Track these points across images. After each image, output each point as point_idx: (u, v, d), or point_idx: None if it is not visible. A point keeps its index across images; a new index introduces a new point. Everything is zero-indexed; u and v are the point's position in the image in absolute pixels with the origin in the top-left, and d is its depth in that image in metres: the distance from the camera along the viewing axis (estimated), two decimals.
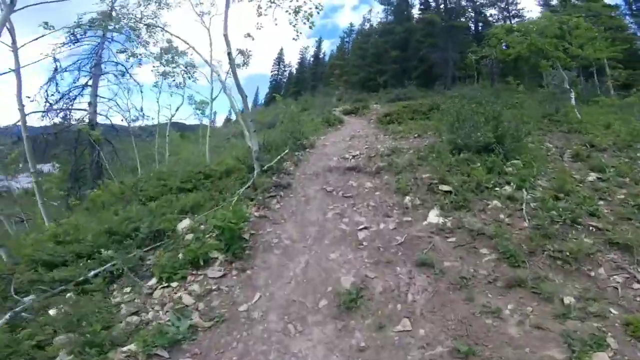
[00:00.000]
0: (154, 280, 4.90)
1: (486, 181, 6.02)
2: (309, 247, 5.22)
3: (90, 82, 15.48)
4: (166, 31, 9.85)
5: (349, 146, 10.01)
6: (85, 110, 15.57)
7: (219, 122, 41.96)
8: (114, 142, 16.82)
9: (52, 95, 13.78)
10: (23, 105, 6.88)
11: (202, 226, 6.03)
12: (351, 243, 5.24)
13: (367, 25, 39.43)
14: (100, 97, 15.74)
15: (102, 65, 15.62)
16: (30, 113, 13.72)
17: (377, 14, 38.34)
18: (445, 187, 5.98)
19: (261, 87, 76.08)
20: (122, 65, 15.39)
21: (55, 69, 13.49)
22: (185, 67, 12.13)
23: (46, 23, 6.87)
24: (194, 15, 10.83)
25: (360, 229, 5.49)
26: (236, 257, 5.02)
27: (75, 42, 13.28)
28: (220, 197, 7.17)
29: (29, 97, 12.16)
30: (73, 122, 14.71)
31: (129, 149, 17.57)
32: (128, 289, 4.83)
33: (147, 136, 19.23)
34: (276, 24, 7.85)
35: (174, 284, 4.75)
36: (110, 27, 8.11)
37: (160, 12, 11.23)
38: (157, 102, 15.35)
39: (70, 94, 14.92)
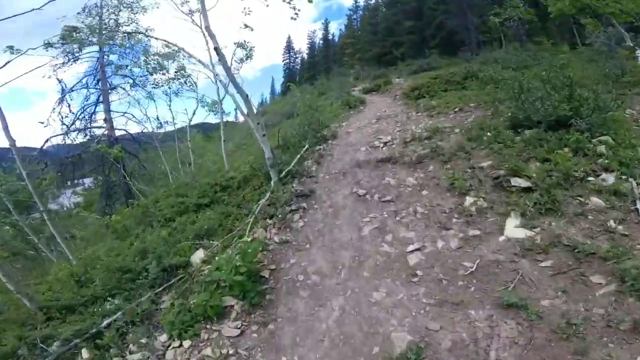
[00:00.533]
0: (165, 337, 3.89)
1: (575, 169, 4.21)
2: (344, 283, 3.77)
3: (101, 98, 14.78)
4: (149, 36, 8.45)
5: (377, 130, 8.31)
6: (102, 127, 14.90)
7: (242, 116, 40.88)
8: (140, 153, 16.33)
9: (66, 116, 13.10)
10: (14, 141, 5.82)
11: (216, 257, 4.82)
12: (400, 273, 3.73)
13: (373, 0, 36.46)
14: (114, 111, 15.05)
15: (109, 80, 14.78)
16: (51, 137, 13.33)
17: None
18: (521, 182, 4.24)
19: (277, 77, 74.13)
20: (129, 77, 14.34)
21: (62, 90, 12.75)
22: (176, 72, 10.72)
23: (11, 47, 5.68)
24: (184, 14, 9.23)
25: (411, 251, 3.95)
26: (255, 306, 3.71)
27: (76, 60, 12.40)
28: (238, 214, 5.92)
29: (42, 123, 11.55)
30: (94, 140, 14.03)
31: (157, 157, 16.93)
32: (143, 340, 3.93)
33: (173, 141, 18.56)
34: (267, 5, 6.31)
35: (186, 343, 3.69)
36: (85, 41, 6.88)
37: (138, 17, 9.79)
38: (170, 109, 14.18)
39: (85, 112, 14.30)
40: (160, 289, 4.85)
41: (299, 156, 6.81)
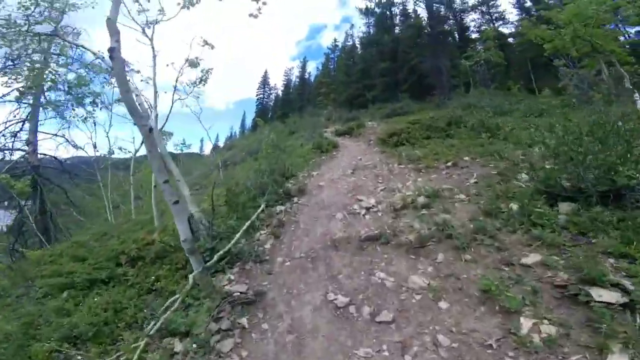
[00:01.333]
0: None
1: None
2: None
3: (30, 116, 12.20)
4: (64, 40, 6.47)
5: (356, 186, 6.58)
6: (22, 150, 12.16)
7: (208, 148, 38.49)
8: (79, 180, 13.84)
9: None
10: None
11: None
12: None
13: (350, 42, 37.47)
14: (43, 132, 12.49)
15: (46, 94, 12.29)
16: None
17: (360, 28, 36.65)
18: (614, 297, 2.53)
19: (250, 111, 73.37)
20: (69, 92, 11.92)
21: None
22: (70, 88, 8.59)
23: None
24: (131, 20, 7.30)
25: None
26: None
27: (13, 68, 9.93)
28: (137, 310, 3.72)
29: None
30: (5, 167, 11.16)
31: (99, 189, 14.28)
32: None
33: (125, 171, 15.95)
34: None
35: None
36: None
37: (64, 16, 7.74)
38: (107, 135, 11.91)
39: (6, 130, 11.54)
40: None
41: (248, 223, 4.79)
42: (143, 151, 13.16)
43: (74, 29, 8.96)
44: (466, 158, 6.91)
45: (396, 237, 4.12)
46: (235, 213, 5.23)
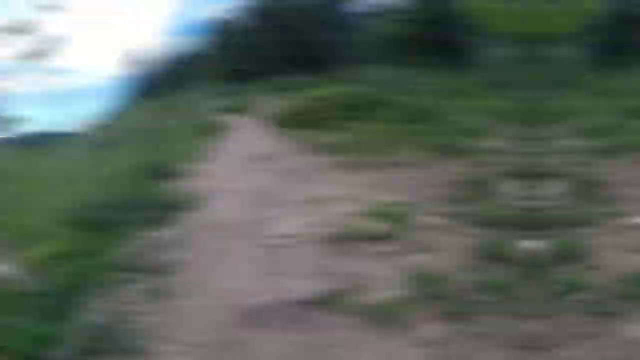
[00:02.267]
0: None
1: None
2: None
3: None
4: None
5: (263, 191, 4.88)
6: None
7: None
8: None
9: None
10: None
11: None
12: None
13: (228, 14, 33.36)
14: None
15: None
16: None
17: None
18: None
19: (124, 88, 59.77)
20: None
21: None
22: None
23: None
24: None
25: None
26: None
27: None
28: None
29: None
30: None
31: None
32: None
33: None
34: None
35: None
36: None
37: None
38: None
39: None
40: None
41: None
42: None
43: None
44: (414, 152, 5.81)
45: (347, 297, 2.67)
46: (73, 257, 2.82)
